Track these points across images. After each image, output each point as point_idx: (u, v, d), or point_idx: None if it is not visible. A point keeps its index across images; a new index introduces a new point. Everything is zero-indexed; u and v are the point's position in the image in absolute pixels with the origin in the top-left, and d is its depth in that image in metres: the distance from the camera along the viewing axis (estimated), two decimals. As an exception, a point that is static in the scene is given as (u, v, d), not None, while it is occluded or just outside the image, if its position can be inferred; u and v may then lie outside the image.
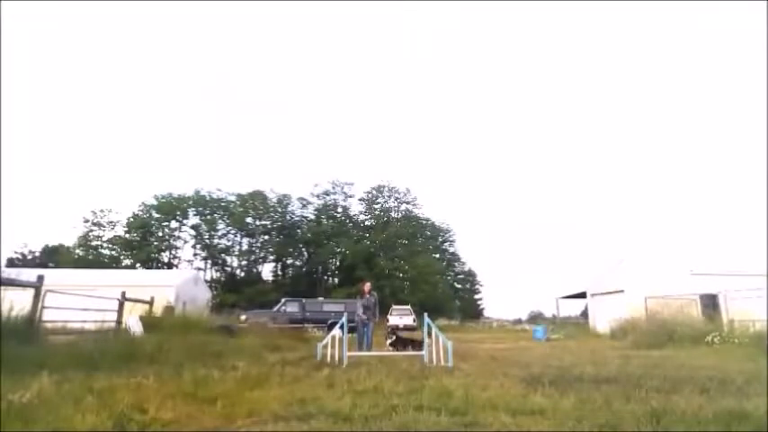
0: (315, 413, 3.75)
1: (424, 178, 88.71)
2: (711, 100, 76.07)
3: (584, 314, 29.03)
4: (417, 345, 5.60)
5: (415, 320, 27.31)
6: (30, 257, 50.16)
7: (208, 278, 47.87)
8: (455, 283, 60.25)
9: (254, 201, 51.66)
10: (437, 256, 55.86)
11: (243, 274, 51.02)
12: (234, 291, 44.72)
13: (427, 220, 57.20)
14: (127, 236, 48.01)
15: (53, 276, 15.04)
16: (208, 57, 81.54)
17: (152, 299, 12.55)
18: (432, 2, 79.81)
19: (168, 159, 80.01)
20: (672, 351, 9.94)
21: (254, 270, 52.03)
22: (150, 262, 47.76)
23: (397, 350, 5.33)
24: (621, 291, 19.88)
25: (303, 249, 52.82)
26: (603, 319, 20.08)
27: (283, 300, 24.22)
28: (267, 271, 52.86)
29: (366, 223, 54.88)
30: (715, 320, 12.78)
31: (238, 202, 51.76)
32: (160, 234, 50.19)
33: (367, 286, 11.20)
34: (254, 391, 4.70)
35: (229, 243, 51.81)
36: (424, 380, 5.52)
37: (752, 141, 70.01)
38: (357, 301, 11.11)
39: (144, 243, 47.89)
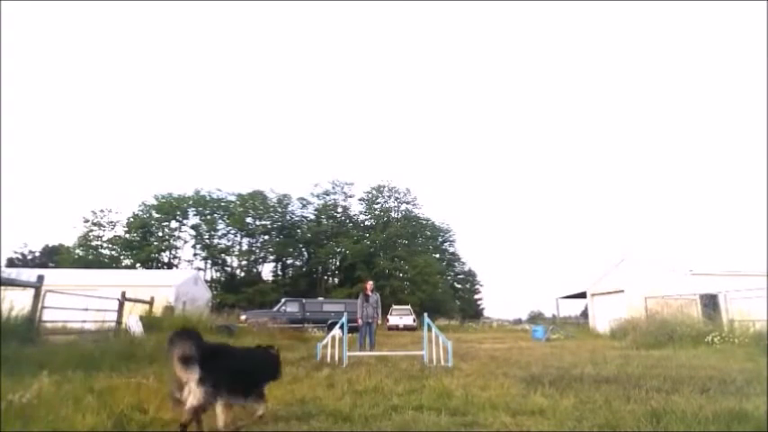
0: (315, 413, 3.76)
1: (424, 178, 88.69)
2: (711, 100, 76.11)
3: (585, 314, 29.02)
4: None
5: (415, 320, 27.35)
6: (30, 257, 50.19)
7: (208, 278, 47.79)
8: (455, 283, 60.20)
9: (254, 201, 51.60)
10: (437, 256, 55.81)
11: (243, 274, 50.95)
12: (234, 291, 44.67)
13: (427, 220, 57.19)
14: (127, 236, 47.96)
15: (53, 276, 15.12)
16: (208, 56, 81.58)
17: (152, 299, 12.56)
18: (432, 2, 79.85)
19: (168, 159, 79.98)
20: (672, 351, 9.93)
21: (254, 270, 51.97)
22: (150, 262, 47.70)
23: None
24: (621, 291, 19.87)
25: (303, 249, 52.78)
26: (603, 319, 20.07)
27: (283, 300, 24.17)
28: (267, 271, 52.84)
29: (366, 223, 54.85)
30: (715, 320, 12.77)
31: (238, 202, 51.69)
32: (160, 234, 50.13)
33: (369, 285, 11.20)
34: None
35: (229, 243, 51.75)
36: (424, 380, 5.52)
37: (752, 141, 70.02)
38: (359, 300, 11.02)
39: (144, 243, 47.81)
